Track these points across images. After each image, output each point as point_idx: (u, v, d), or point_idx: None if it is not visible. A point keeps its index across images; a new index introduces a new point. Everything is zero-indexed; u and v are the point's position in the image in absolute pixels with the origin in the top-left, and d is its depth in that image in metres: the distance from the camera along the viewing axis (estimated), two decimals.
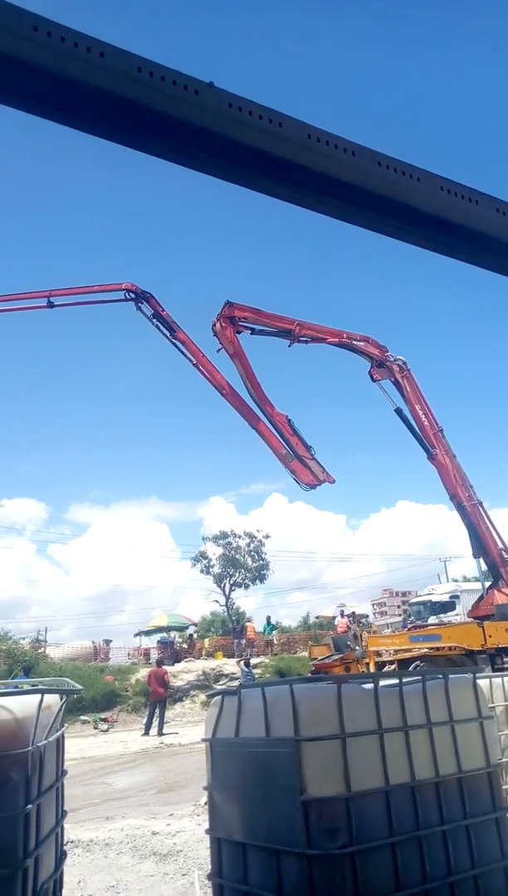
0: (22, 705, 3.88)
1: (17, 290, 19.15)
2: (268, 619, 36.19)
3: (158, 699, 20.02)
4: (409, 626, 28.71)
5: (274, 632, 35.13)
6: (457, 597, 35.25)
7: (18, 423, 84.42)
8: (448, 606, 34.68)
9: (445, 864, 3.95)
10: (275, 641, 34.67)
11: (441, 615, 34.45)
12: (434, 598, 35.93)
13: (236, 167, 2.27)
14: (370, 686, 4.14)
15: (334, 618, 33.30)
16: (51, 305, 18.06)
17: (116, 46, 2.05)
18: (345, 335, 19.57)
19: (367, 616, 32.70)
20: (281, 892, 3.82)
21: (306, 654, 28.51)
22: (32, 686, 5.27)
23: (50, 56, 1.87)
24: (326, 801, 3.73)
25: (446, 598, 35.48)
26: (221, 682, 26.09)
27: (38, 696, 4.01)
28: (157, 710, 19.88)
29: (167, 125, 2.08)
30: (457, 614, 34.31)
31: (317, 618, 38.86)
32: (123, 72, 1.99)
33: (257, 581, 42.50)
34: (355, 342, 19.64)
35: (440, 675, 4.56)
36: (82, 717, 22.11)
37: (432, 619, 33.83)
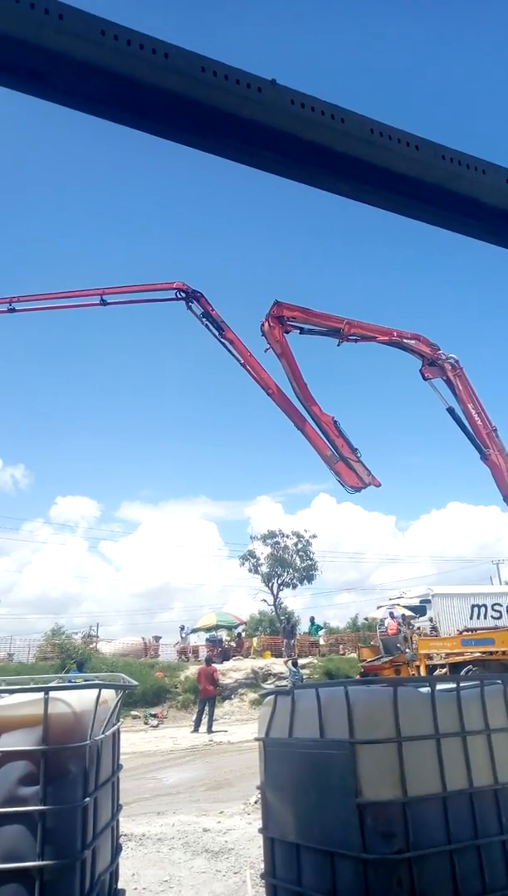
0: (80, 700, 3.95)
1: (67, 288, 19.54)
2: (312, 619, 36.12)
3: (207, 697, 20.18)
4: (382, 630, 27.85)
5: (320, 632, 34.97)
6: (428, 601, 34.26)
7: (74, 424, 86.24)
8: (417, 611, 33.41)
9: (505, 875, 3.86)
10: (322, 642, 34.49)
11: (413, 620, 33.62)
12: (403, 603, 35.01)
13: (299, 164, 2.26)
14: (426, 690, 4.07)
15: (383, 619, 32.94)
16: (104, 303, 18.38)
17: (179, 47, 2.06)
18: (395, 333, 19.28)
19: (417, 618, 32.03)
20: (335, 895, 3.79)
21: (354, 655, 28.32)
22: (87, 681, 5.38)
23: (118, 60, 1.89)
24: (382, 805, 3.69)
25: (416, 602, 34.38)
26: (269, 682, 26.11)
27: (95, 691, 4.07)
28: (206, 708, 20.05)
29: (231, 124, 2.08)
30: (429, 619, 33.37)
31: (366, 619, 38.49)
32: (188, 72, 1.99)
33: (306, 581, 42.48)
34: (405, 340, 19.34)
35: (500, 681, 4.46)
36: (133, 712, 22.44)
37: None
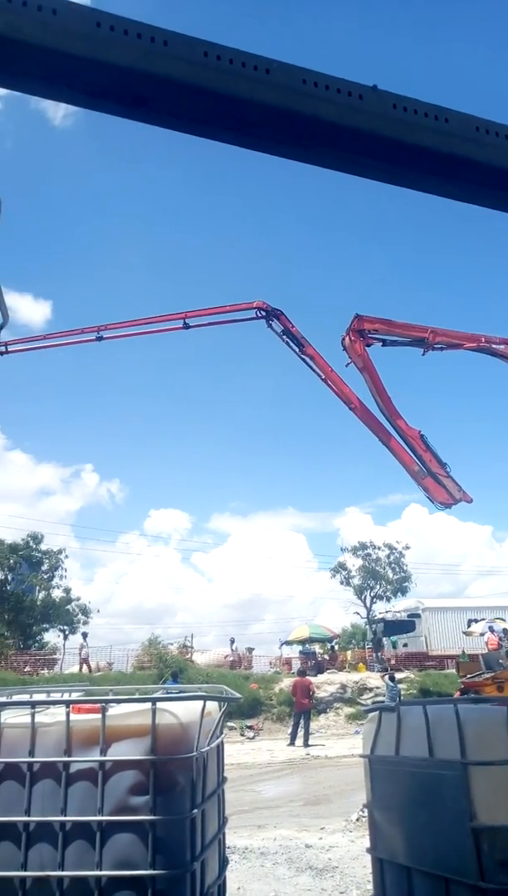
0: (186, 711, 3.98)
1: (147, 313, 20.14)
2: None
3: (303, 710, 20.02)
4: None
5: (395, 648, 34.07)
6: (418, 615, 32.59)
7: (165, 439, 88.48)
8: (406, 626, 32.04)
9: None
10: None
11: (402, 635, 31.63)
12: (388, 618, 33.09)
13: (401, 168, 2.22)
14: None
15: (482, 634, 31.65)
16: (187, 327, 18.78)
17: (279, 61, 2.07)
18: (483, 339, 18.55)
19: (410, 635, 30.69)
20: None
21: (452, 671, 27.36)
22: (183, 692, 5.44)
23: (222, 79, 1.92)
24: (500, 831, 3.52)
25: (403, 616, 32.85)
26: (365, 696, 25.63)
27: (200, 703, 4.10)
28: (302, 721, 19.90)
29: (332, 133, 2.07)
30: (419, 635, 31.72)
31: (463, 633, 37.12)
32: (290, 85, 2.00)
33: (399, 594, 41.48)
34: (494, 346, 18.59)
35: None
36: (229, 724, 22.58)
37: (393, 639, 31.18)
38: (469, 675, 19.40)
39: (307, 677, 22.10)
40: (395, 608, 34.90)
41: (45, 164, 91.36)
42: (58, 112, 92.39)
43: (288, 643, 32.91)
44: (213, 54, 1.93)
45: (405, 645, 31.11)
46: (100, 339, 18.84)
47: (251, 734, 22.40)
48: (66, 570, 35.80)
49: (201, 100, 1.96)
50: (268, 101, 1.96)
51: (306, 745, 19.31)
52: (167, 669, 24.73)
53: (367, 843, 4.63)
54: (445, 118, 2.16)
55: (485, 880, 3.45)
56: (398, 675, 25.04)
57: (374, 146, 2.11)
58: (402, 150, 2.11)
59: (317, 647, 32.56)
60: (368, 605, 41.67)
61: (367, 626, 41.22)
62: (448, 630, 32.79)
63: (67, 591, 35.68)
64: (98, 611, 36.46)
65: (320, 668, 28.97)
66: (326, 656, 31.92)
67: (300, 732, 19.88)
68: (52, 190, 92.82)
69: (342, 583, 42.94)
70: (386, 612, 34.60)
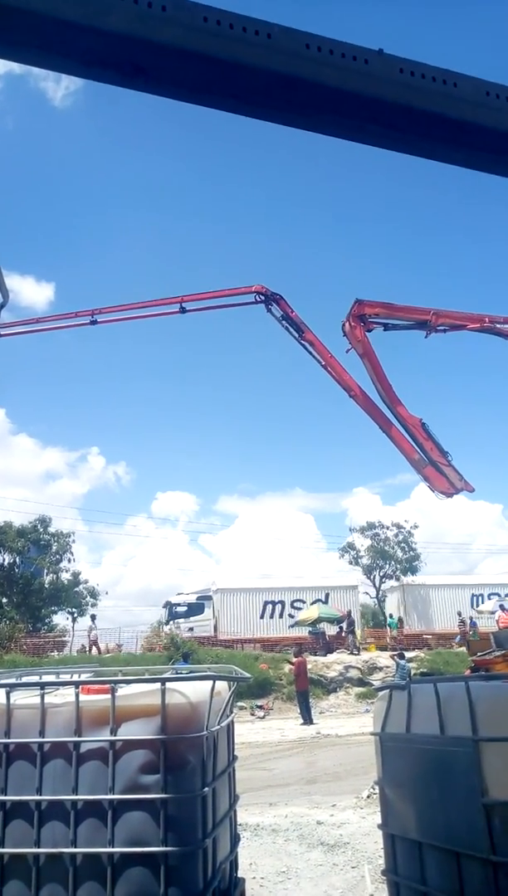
0: (196, 691, 3.99)
1: (147, 297, 19.98)
2: (390, 615, 35.28)
3: (303, 689, 20.22)
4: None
5: (397, 627, 34.11)
6: (208, 598, 32.37)
7: (170, 422, 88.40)
8: (195, 609, 31.85)
9: None
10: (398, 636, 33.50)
11: (191, 618, 31.43)
12: (175, 601, 32.82)
13: (408, 135, 2.16)
14: None
15: (493, 612, 31.71)
16: (183, 311, 18.56)
17: (282, 25, 2.01)
18: (487, 319, 18.26)
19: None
20: None
21: (463, 649, 27.47)
22: (194, 672, 5.46)
23: (222, 45, 1.86)
24: None
25: (193, 599, 32.58)
26: (374, 675, 25.78)
27: (210, 683, 4.11)
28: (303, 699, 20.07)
29: (337, 99, 2.01)
30: (207, 618, 31.55)
31: (477, 611, 37.22)
32: (293, 50, 1.94)
33: (409, 573, 41.48)
34: (498, 325, 18.33)
35: None
36: (240, 704, 22.80)
37: (182, 623, 30.92)
38: (479, 653, 19.46)
39: (304, 657, 22.26)
40: (185, 592, 34.42)
41: (46, 144, 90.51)
42: (58, 92, 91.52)
43: (298, 624, 33.07)
44: (213, 19, 1.88)
45: (191, 629, 30.82)
46: (94, 322, 18.67)
47: (262, 714, 22.61)
48: (73, 554, 36.02)
49: (202, 67, 1.90)
50: (270, 66, 1.90)
51: (309, 722, 19.48)
52: (177, 651, 24.93)
53: (378, 819, 4.66)
54: (454, 83, 2.09)
55: (497, 854, 3.46)
56: (407, 654, 25.16)
57: (380, 112, 2.05)
58: (409, 117, 2.06)
59: (327, 627, 32.71)
60: (377, 584, 41.78)
61: (377, 606, 41.39)
62: (238, 612, 32.61)
63: (76, 574, 35.95)
64: (106, 593, 36.74)
65: (329, 649, 29.11)
66: (336, 636, 32.04)
67: (313, 710, 20.06)
68: (53, 171, 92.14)
69: (350, 563, 43.07)
70: (177, 594, 34.28)
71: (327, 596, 34.04)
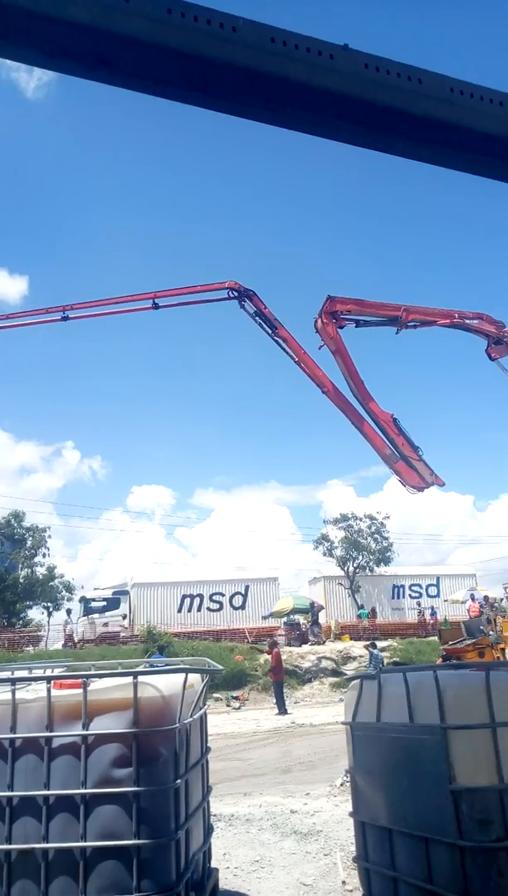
0: (168, 684, 4.00)
1: (123, 292, 19.68)
2: (362, 605, 35.66)
3: (278, 680, 20.36)
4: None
5: (368, 617, 34.52)
6: (124, 593, 32.67)
7: (146, 415, 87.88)
8: (111, 604, 32.08)
9: None
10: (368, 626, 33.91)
11: (106, 613, 31.74)
12: (90, 595, 33.06)
13: (375, 132, 2.16)
14: None
15: (464, 601, 32.13)
16: (156, 307, 18.42)
17: (247, 19, 2.00)
18: (457, 315, 18.44)
19: (501, 599, 30.92)
20: (431, 882, 3.73)
21: (435, 638, 27.86)
22: (169, 665, 5.48)
23: (186, 37, 1.85)
24: (477, 792, 3.60)
25: (109, 594, 32.77)
26: (348, 665, 26.03)
27: (182, 676, 4.12)
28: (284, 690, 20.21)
29: (303, 95, 2.01)
30: (122, 613, 31.84)
31: (446, 601, 37.73)
32: (258, 44, 1.93)
33: (382, 564, 41.83)
34: (468, 321, 18.51)
35: None
36: (215, 695, 22.85)
37: (96, 618, 31.18)
38: (451, 643, 19.76)
39: (279, 648, 22.40)
40: (102, 587, 34.43)
41: (19, 136, 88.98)
42: (31, 83, 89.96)
43: (272, 615, 33.22)
44: (177, 11, 1.86)
45: (106, 624, 30.98)
46: (66, 318, 18.44)
47: (237, 704, 22.70)
48: (48, 549, 35.72)
49: (166, 60, 1.89)
50: (235, 60, 1.89)
51: (283, 712, 19.63)
52: (153, 644, 24.90)
53: (351, 807, 4.72)
54: (419, 79, 2.11)
55: (464, 839, 3.53)
56: (380, 644, 25.43)
57: (346, 108, 2.05)
58: (375, 112, 2.06)
59: (301, 618, 32.89)
60: (351, 575, 42.12)
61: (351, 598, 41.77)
62: (158, 607, 32.75)
63: (51, 568, 35.65)
64: (82, 587, 36.38)
65: (303, 639, 29.30)
66: (310, 627, 32.24)
67: (288, 700, 20.19)
68: (26, 163, 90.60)
69: (324, 554, 43.26)
70: (94, 589, 34.35)
71: (246, 588, 34.35)
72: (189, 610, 33.06)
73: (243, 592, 33.92)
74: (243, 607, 33.99)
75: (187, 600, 33.48)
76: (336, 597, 36.60)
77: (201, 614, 33.19)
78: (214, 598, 33.65)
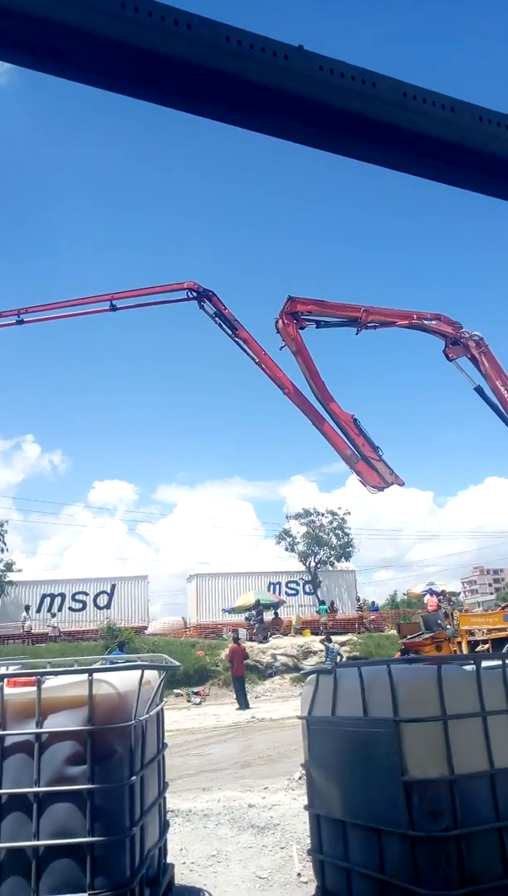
0: (124, 680, 4.00)
1: (78, 294, 19.39)
2: (321, 601, 36.07)
3: (239, 675, 20.45)
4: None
5: (328, 612, 34.90)
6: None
7: (110, 411, 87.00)
8: None
9: None
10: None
11: None
12: None
13: (329, 134, 2.18)
14: (471, 668, 4.03)
15: (423, 596, 32.64)
16: (113, 308, 18.26)
17: (202, 17, 1.99)
18: (415, 316, 18.73)
19: (459, 594, 31.54)
20: (383, 872, 3.80)
21: (394, 632, 28.27)
22: (129, 661, 5.46)
23: (139, 33, 1.84)
24: (428, 783, 3.67)
25: None
26: (309, 660, 26.24)
27: (138, 672, 4.12)
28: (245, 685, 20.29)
29: (258, 94, 2.01)
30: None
31: (405, 595, 38.33)
32: (213, 43, 1.93)
33: (343, 559, 42.29)
34: (426, 322, 18.80)
35: None
36: (176, 691, 22.82)
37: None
38: (409, 637, 20.08)
39: (242, 643, 22.48)
40: None
41: None
42: None
43: (234, 610, 33.28)
44: (130, 5, 1.85)
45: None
46: (20, 322, 18.15)
47: (198, 700, 22.70)
48: (6, 544, 35.12)
49: (119, 54, 1.87)
50: (189, 58, 1.89)
51: (245, 707, 19.71)
52: (113, 641, 24.72)
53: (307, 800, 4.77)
54: (373, 82, 2.13)
55: (415, 829, 3.61)
56: (340, 639, 25.70)
57: (300, 109, 2.06)
58: (328, 114, 2.08)
59: (264, 613, 33.03)
60: (312, 570, 42.42)
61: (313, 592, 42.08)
62: (13, 607, 32.51)
63: (9, 564, 35.05)
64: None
65: (265, 634, 29.42)
66: (271, 622, 32.41)
67: (249, 695, 20.28)
68: None
69: (287, 549, 43.52)
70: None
71: (112, 588, 34.22)
72: (49, 610, 32.59)
73: (108, 592, 33.62)
74: (108, 606, 33.57)
75: (48, 599, 33.08)
76: (200, 595, 36.45)
77: (63, 613, 32.76)
78: (76, 597, 33.35)
